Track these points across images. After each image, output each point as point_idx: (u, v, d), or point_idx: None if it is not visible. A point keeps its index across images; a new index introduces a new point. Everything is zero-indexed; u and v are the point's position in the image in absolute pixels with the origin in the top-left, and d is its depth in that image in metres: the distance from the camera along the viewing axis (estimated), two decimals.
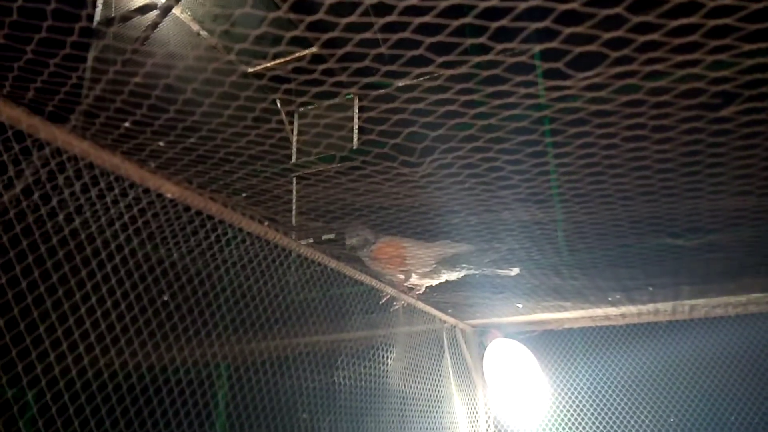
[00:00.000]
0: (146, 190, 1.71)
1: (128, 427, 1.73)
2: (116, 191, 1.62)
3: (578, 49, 1.05)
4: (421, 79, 1.20)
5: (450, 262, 2.43)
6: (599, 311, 3.55)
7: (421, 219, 1.82)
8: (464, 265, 2.43)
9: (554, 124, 1.31)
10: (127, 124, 1.33)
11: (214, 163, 1.64)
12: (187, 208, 1.80)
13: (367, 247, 2.37)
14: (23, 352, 1.46)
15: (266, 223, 2.06)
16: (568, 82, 1.17)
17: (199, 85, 1.39)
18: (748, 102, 1.25)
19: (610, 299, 2.80)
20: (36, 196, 1.51)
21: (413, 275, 2.52)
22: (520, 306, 3.04)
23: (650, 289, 2.67)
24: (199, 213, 1.86)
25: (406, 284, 2.64)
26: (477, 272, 2.45)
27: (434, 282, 2.60)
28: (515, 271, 2.42)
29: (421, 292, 2.66)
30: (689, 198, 1.66)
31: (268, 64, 3.90)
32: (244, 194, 1.70)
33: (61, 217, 1.53)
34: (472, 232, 1.89)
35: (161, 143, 1.40)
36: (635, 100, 1.24)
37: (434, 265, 2.43)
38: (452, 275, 2.54)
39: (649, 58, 1.10)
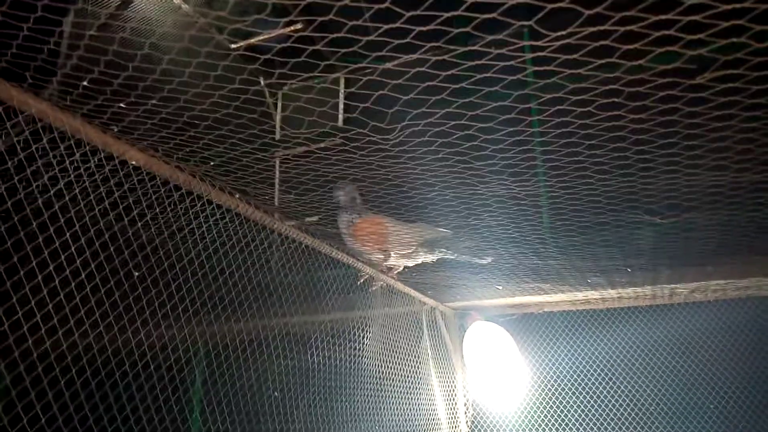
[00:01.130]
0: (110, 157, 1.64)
1: (106, 407, 1.68)
2: (77, 156, 1.55)
3: (550, 6, 1.01)
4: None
5: (429, 245, 2.40)
6: (579, 295, 3.55)
7: (396, 192, 1.78)
8: (442, 249, 2.40)
9: (530, 89, 1.27)
10: (85, 83, 1.27)
11: (192, 135, 1.59)
12: (154, 177, 1.74)
13: (351, 220, 2.32)
14: None
15: (237, 196, 2.00)
16: (541, 42, 1.13)
17: (181, 59, 1.34)
18: (724, 68, 1.22)
19: (589, 281, 2.79)
20: None
21: (392, 255, 2.49)
22: (500, 287, 3.02)
23: (628, 270, 2.67)
24: (166, 182, 1.81)
25: (384, 264, 2.61)
26: (453, 257, 2.43)
27: (411, 263, 2.57)
28: (488, 260, 2.41)
29: (398, 271, 2.63)
30: (666, 173, 1.64)
31: (253, 41, 3.83)
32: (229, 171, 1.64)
33: (17, 182, 1.47)
34: (447, 207, 1.86)
35: (122, 104, 1.34)
36: (610, 63, 1.20)
37: (414, 247, 2.40)
38: (429, 257, 2.51)
39: (623, 16, 1.06)
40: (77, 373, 1.63)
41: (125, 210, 1.78)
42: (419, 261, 2.56)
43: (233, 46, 3.68)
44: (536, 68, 1.22)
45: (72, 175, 1.52)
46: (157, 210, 1.84)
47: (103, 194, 1.65)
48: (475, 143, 1.43)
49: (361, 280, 2.69)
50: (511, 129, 1.41)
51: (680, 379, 3.71)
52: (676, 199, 1.85)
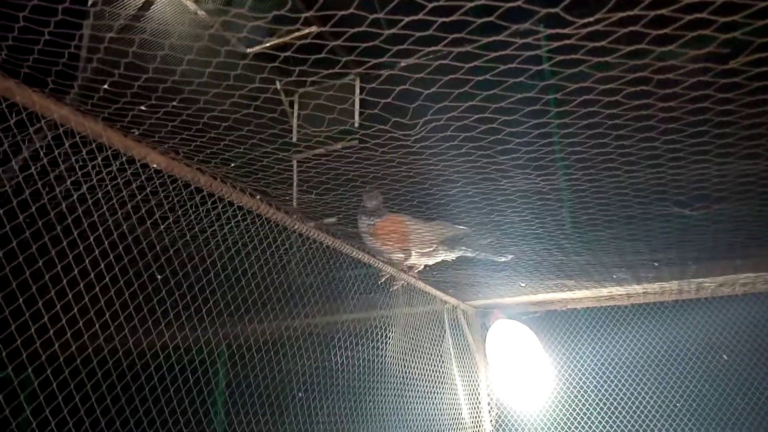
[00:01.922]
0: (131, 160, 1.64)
1: (130, 407, 1.68)
2: (99, 161, 1.56)
3: None
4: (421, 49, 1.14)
5: (449, 243, 2.37)
6: (604, 291, 3.49)
7: (418, 189, 1.76)
8: (462, 248, 2.37)
9: (554, 79, 1.24)
10: (105, 86, 1.27)
11: (212, 137, 1.58)
12: (174, 180, 1.74)
13: (371, 222, 2.30)
14: (20, 331, 1.41)
15: (258, 197, 2.00)
16: (567, 30, 1.10)
17: (199, 66, 1.33)
18: (759, 51, 1.18)
19: (614, 277, 2.74)
20: (15, 164, 1.46)
21: (413, 254, 2.47)
22: (523, 285, 2.98)
23: (655, 265, 2.61)
24: (187, 185, 1.81)
25: (405, 263, 2.58)
26: (473, 255, 2.40)
27: (431, 261, 2.54)
28: (508, 257, 2.38)
29: (419, 269, 2.60)
30: (696, 163, 1.59)
31: (268, 44, 3.83)
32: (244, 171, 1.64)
33: (41, 188, 1.47)
34: (470, 203, 1.83)
35: (143, 108, 1.34)
36: (638, 50, 1.17)
37: (435, 245, 2.37)
38: (450, 255, 2.48)
39: (652, 0, 1.03)
40: (103, 376, 1.64)
41: (147, 213, 1.78)
42: (439, 259, 2.53)
43: (249, 50, 3.69)
44: (562, 57, 1.19)
45: (95, 179, 1.52)
46: (179, 213, 1.84)
47: (126, 198, 1.65)
48: (498, 137, 1.40)
49: (383, 280, 2.67)
50: (536, 121, 1.38)
51: (708, 376, 3.63)
52: (706, 190, 1.80)
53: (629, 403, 3.71)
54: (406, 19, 1.04)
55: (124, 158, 1.58)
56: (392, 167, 1.62)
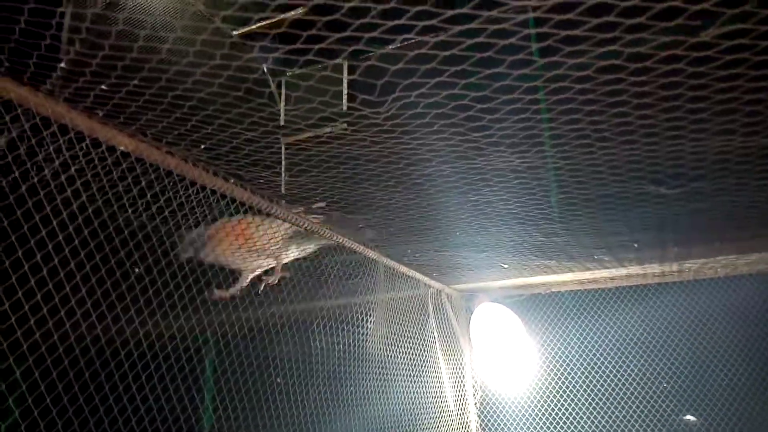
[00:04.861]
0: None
1: (117, 398, 1.66)
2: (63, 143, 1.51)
3: None
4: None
5: (302, 236, 2.28)
6: (587, 274, 3.49)
7: (392, 169, 1.73)
8: (318, 238, 2.30)
9: (523, 54, 1.22)
10: (62, 65, 1.23)
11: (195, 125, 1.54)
12: (143, 163, 1.70)
13: (203, 240, 2.09)
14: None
15: (232, 181, 1.96)
16: (534, 2, 1.07)
17: (183, 48, 1.29)
18: (730, 23, 1.16)
19: (595, 257, 2.74)
20: None
21: (261, 256, 2.27)
22: (506, 266, 2.97)
23: (635, 246, 2.61)
24: (156, 169, 1.77)
25: (258, 268, 2.34)
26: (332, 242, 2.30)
27: (286, 259, 2.36)
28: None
29: (274, 279, 2.35)
30: (670, 138, 1.58)
31: (254, 27, 3.74)
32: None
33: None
34: (446, 182, 1.81)
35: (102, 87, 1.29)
36: (609, 23, 1.14)
37: (282, 243, 2.23)
38: (308, 247, 2.38)
39: None
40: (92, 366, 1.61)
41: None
42: (293, 256, 2.39)
43: (234, 33, 3.60)
44: (534, 30, 1.17)
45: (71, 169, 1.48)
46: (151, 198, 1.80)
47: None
48: (470, 113, 1.38)
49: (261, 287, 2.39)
50: (510, 97, 1.35)
51: (690, 357, 3.66)
52: (682, 167, 1.79)
53: (614, 386, 3.74)
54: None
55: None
56: (364, 147, 1.60)
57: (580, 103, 1.37)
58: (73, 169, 1.49)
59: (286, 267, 2.39)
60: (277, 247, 2.23)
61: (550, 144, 1.56)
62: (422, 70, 1.23)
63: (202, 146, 1.65)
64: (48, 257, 1.48)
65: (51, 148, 1.44)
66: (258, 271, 2.31)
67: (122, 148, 1.63)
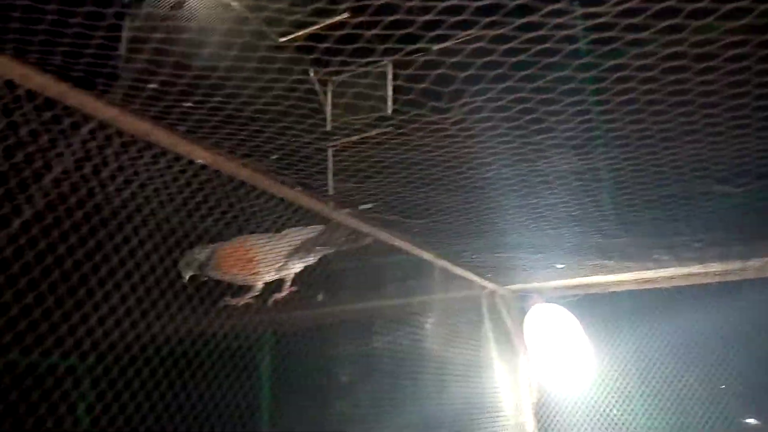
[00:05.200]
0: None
1: (175, 396, 1.76)
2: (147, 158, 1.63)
3: None
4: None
5: (304, 248, 2.27)
6: (646, 274, 3.44)
7: (453, 173, 1.78)
8: (319, 248, 2.30)
9: (589, 57, 1.25)
10: (153, 86, 1.34)
11: (244, 126, 1.63)
12: (219, 174, 1.81)
13: (210, 260, 2.13)
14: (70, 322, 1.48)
15: (298, 188, 2.06)
16: (602, 8, 1.10)
17: (231, 55, 1.38)
18: None
19: (655, 257, 2.70)
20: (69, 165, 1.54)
21: (266, 275, 2.30)
22: (561, 266, 2.97)
23: (697, 245, 2.57)
24: (231, 179, 1.87)
25: (260, 285, 2.34)
26: (332, 251, 2.33)
27: (288, 274, 2.36)
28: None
29: (287, 289, 2.38)
30: (736, 137, 1.57)
31: (300, 33, 3.86)
32: (273, 156, 1.69)
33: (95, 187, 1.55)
34: (506, 186, 1.84)
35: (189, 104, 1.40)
36: (675, 25, 1.16)
37: (284, 260, 2.26)
38: (308, 260, 2.36)
39: None
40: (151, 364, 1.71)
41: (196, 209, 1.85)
42: (298, 269, 2.38)
43: (281, 39, 3.72)
44: (595, 35, 1.20)
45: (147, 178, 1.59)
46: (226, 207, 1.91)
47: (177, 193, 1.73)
48: (534, 116, 1.41)
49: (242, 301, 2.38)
50: (572, 99, 1.39)
51: (755, 359, 3.54)
52: (748, 165, 1.77)
53: (672, 387, 3.65)
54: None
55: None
56: (427, 152, 1.65)
57: (645, 103, 1.39)
58: (158, 183, 1.61)
59: (294, 281, 2.41)
60: (280, 264, 2.26)
61: (613, 145, 1.57)
62: (491, 76, 1.28)
63: (273, 156, 1.75)
64: (123, 261, 1.60)
65: (140, 163, 1.56)
66: (266, 279, 2.35)
67: (200, 161, 1.74)
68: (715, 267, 3.33)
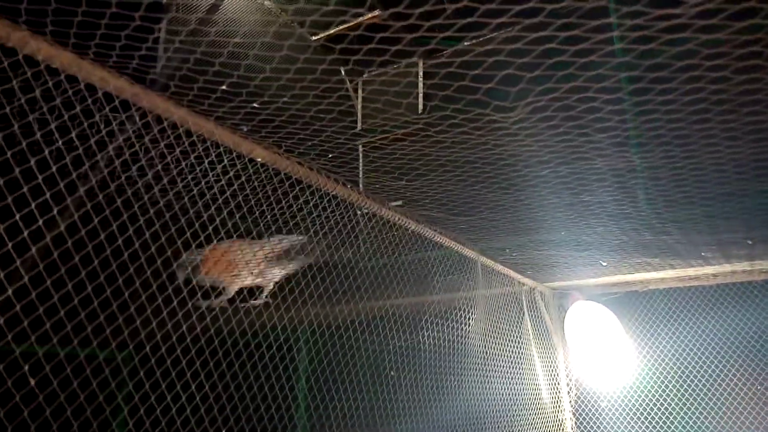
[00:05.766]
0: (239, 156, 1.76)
1: (213, 388, 1.79)
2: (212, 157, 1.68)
3: None
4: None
5: (285, 256, 2.30)
6: (690, 271, 3.39)
7: (509, 171, 1.79)
8: (301, 257, 2.31)
9: (659, 58, 1.24)
10: (223, 87, 1.38)
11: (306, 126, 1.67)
12: (277, 173, 1.85)
13: (194, 261, 2.14)
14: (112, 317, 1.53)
15: (349, 186, 2.09)
16: (677, 10, 1.10)
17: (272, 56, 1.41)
18: None
19: (703, 254, 2.67)
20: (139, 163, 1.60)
21: (245, 279, 2.33)
22: (605, 264, 2.95)
23: (749, 242, 2.53)
24: (288, 177, 1.91)
25: (235, 288, 2.37)
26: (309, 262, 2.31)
27: (268, 281, 2.39)
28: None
29: (267, 293, 2.40)
30: None
31: (331, 32, 3.88)
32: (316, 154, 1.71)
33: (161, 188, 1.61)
34: (560, 184, 1.84)
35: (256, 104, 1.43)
36: (752, 25, 1.15)
37: (262, 265, 2.29)
38: (289, 268, 2.37)
39: None
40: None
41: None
42: (278, 277, 2.40)
43: (314, 38, 3.75)
44: (670, 36, 1.19)
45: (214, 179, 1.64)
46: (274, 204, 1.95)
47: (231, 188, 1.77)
48: (598, 115, 1.41)
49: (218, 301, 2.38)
50: (636, 99, 1.38)
51: None
52: None
53: (714, 387, 3.60)
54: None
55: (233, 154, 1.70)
56: (487, 150, 1.66)
57: (713, 103, 1.38)
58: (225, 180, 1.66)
59: (271, 290, 2.43)
60: (261, 269, 2.28)
61: (675, 144, 1.56)
62: (558, 77, 1.28)
63: (330, 156, 1.78)
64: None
65: (205, 162, 1.61)
66: (245, 284, 2.38)
67: (260, 159, 1.78)
68: (763, 264, 3.27)
